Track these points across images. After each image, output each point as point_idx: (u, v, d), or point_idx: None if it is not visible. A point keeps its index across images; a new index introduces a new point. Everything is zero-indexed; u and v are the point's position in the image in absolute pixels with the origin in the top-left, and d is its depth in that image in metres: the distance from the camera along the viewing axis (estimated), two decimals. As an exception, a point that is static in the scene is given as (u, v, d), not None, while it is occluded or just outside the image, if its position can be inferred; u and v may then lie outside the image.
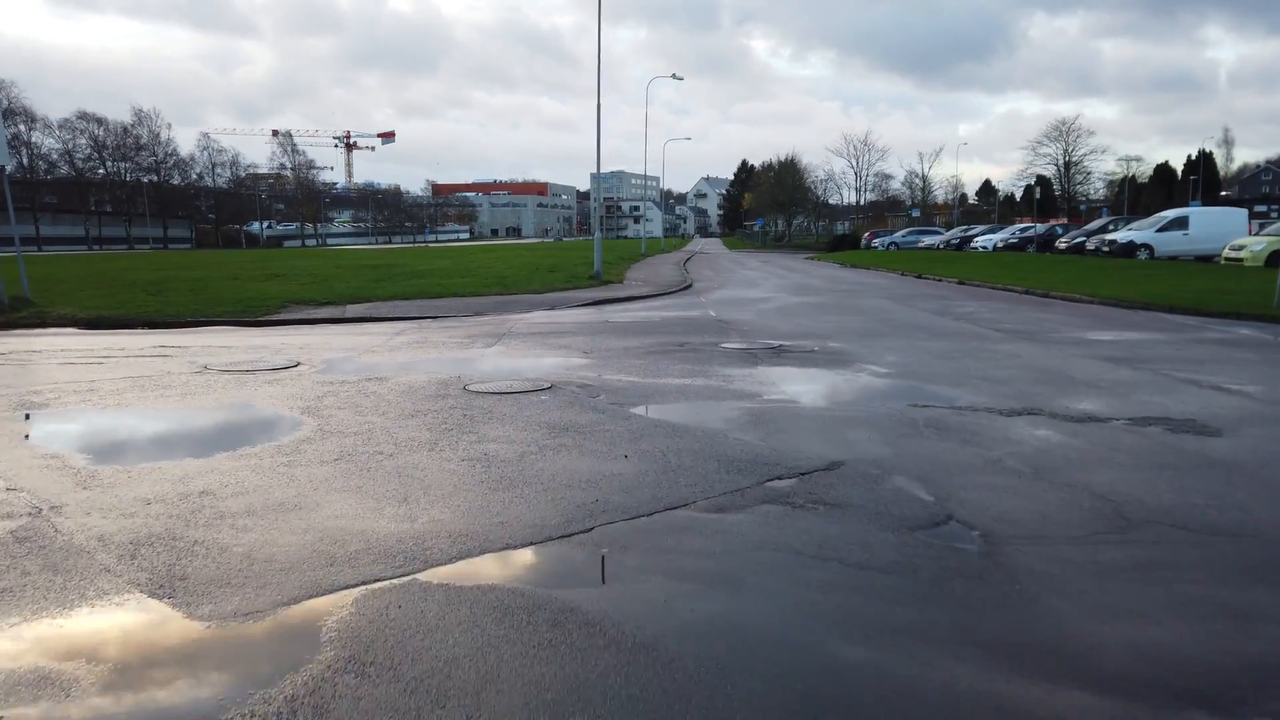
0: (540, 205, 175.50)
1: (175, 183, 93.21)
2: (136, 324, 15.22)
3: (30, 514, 4.93)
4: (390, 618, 3.60)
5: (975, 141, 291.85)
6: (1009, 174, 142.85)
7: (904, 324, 14.91)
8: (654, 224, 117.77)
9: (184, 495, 5.24)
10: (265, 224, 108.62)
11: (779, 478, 5.57)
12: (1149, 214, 45.41)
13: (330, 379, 9.27)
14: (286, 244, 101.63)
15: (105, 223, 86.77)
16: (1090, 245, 36.42)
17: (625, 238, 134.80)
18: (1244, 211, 38.16)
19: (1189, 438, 6.61)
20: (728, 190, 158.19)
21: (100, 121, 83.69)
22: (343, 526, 4.69)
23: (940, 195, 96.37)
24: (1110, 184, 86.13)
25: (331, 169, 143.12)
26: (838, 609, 3.72)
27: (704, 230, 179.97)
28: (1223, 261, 29.01)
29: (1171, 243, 33.22)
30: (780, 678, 3.12)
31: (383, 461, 5.96)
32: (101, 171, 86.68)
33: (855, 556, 4.26)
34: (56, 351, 11.97)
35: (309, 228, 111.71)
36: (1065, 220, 64.57)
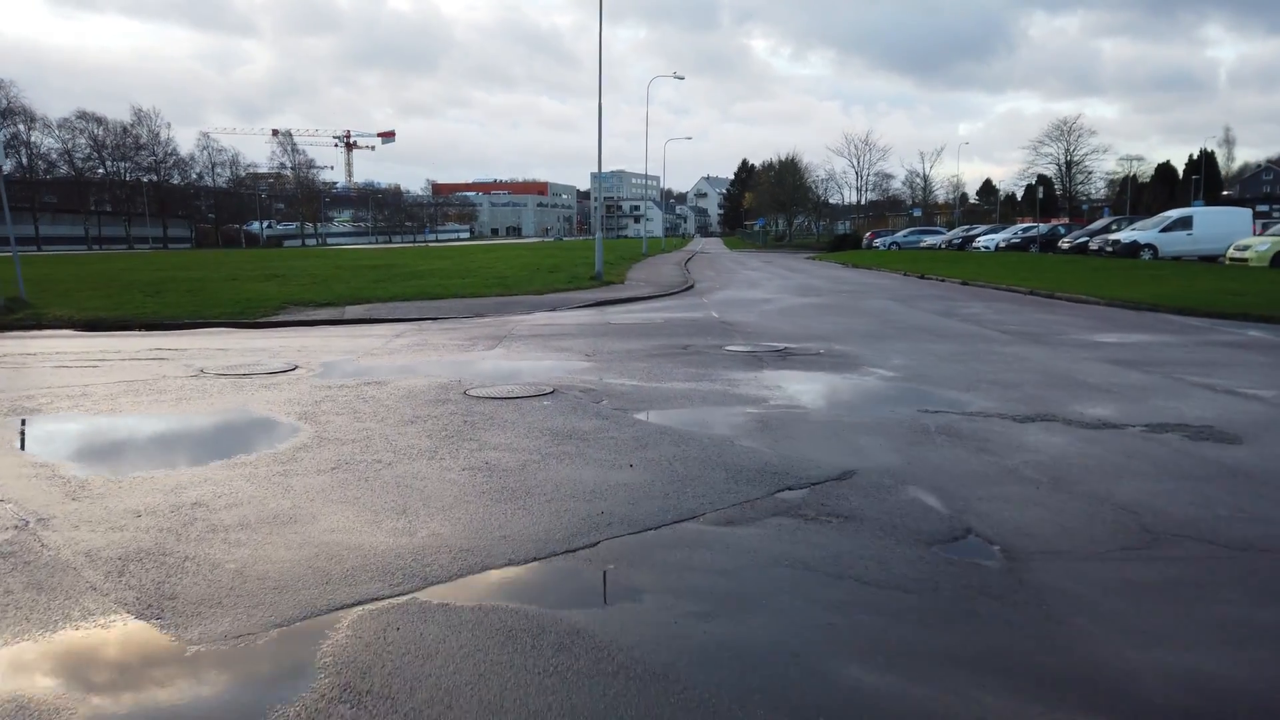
0: (540, 205, 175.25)
1: (175, 182, 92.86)
2: (134, 325, 15.05)
3: (16, 527, 4.77)
4: (388, 640, 3.44)
5: (976, 141, 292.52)
6: (1010, 173, 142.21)
7: (909, 326, 14.74)
8: (654, 224, 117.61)
9: (175, 507, 5.07)
10: (265, 224, 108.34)
11: (789, 488, 5.40)
12: (1150, 214, 45.33)
13: (328, 383, 9.10)
14: (286, 244, 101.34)
15: (105, 222, 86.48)
16: (1093, 245, 36.23)
17: (625, 237, 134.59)
18: (1248, 211, 38.01)
19: (1208, 445, 6.44)
20: (728, 190, 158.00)
21: (100, 121, 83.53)
22: (339, 541, 4.52)
23: (941, 195, 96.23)
24: (1111, 184, 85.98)
25: (331, 168, 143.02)
26: (858, 632, 3.55)
27: (704, 230, 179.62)
28: (1227, 262, 28.84)
29: (1175, 243, 33.07)
30: (802, 709, 2.94)
31: (381, 471, 5.79)
32: (101, 171, 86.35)
33: (872, 574, 4.09)
34: (51, 354, 11.80)
35: (309, 227, 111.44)
36: (1067, 220, 64.38)
